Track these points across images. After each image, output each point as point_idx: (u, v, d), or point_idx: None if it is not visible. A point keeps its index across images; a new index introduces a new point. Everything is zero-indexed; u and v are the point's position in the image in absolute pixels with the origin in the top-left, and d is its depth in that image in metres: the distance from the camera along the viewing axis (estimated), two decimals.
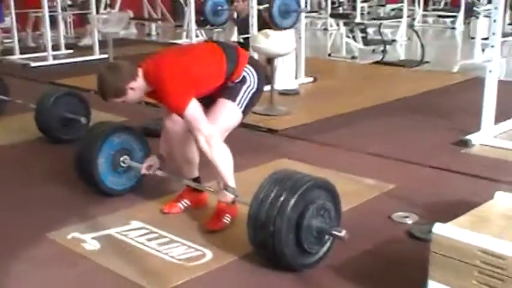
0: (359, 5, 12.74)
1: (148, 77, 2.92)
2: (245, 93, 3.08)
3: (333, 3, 13.04)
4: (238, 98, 3.06)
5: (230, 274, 2.68)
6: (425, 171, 3.94)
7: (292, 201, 2.52)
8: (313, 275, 2.63)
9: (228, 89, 3.07)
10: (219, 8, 7.50)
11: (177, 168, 3.34)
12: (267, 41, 5.26)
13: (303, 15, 6.87)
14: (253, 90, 3.10)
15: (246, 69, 3.08)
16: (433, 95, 6.25)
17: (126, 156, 3.48)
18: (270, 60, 5.54)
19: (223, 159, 2.92)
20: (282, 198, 2.53)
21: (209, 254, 2.82)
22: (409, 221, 3.14)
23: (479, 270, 2.07)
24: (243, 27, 6.90)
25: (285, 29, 6.05)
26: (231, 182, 2.95)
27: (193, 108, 2.87)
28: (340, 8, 13.59)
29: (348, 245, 2.75)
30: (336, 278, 2.60)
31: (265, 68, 4.72)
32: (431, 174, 3.89)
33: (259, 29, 6.03)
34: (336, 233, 2.61)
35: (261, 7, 6.47)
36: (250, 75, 3.09)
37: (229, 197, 2.95)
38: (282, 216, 2.51)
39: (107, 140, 3.44)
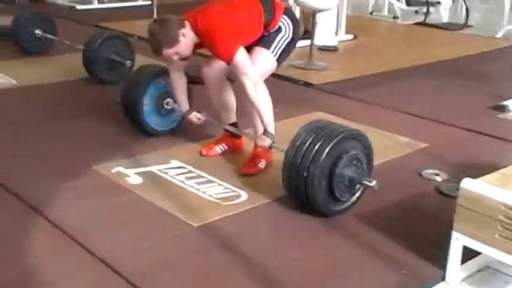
0: None
1: (196, 28, 3.03)
2: (280, 41, 3.19)
3: None
4: (272, 46, 3.18)
5: (262, 214, 2.84)
6: (460, 133, 4.00)
7: (327, 149, 2.64)
8: (341, 220, 2.76)
9: (263, 38, 3.19)
10: None
11: (216, 114, 3.47)
12: None
13: None
14: (288, 39, 3.21)
15: (281, 19, 3.20)
16: (474, 60, 6.22)
17: (169, 99, 3.62)
18: (312, 14, 5.58)
19: (266, 104, 3.04)
20: (317, 147, 2.65)
21: (244, 195, 2.97)
22: (439, 179, 3.23)
23: (502, 224, 2.16)
24: None
25: None
26: (271, 128, 3.08)
27: (242, 54, 2.98)
28: None
29: (376, 196, 2.89)
30: (363, 225, 2.73)
31: (299, 21, 4.69)
32: (465, 136, 3.95)
33: None
34: (367, 182, 2.73)
35: None
36: (285, 25, 3.20)
37: (267, 141, 3.08)
38: (315, 163, 2.63)
39: (153, 82, 3.57)
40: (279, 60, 3.24)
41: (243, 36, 3.09)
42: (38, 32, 5.55)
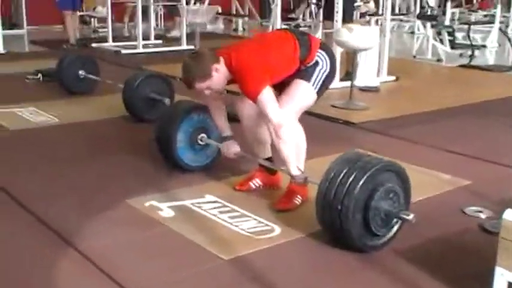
0: (449, 10, 12.44)
1: (230, 64, 3.04)
2: (319, 74, 3.17)
3: (422, 7, 12.79)
4: (312, 79, 3.16)
5: (296, 248, 2.75)
6: (505, 170, 3.85)
7: (361, 182, 2.55)
8: (378, 256, 2.65)
9: (301, 72, 3.17)
10: None
11: (250, 149, 3.43)
12: (350, 35, 5.27)
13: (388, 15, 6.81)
14: (327, 72, 3.19)
15: (318, 53, 3.18)
16: None
17: (203, 135, 3.60)
18: (352, 54, 5.56)
19: (290, 150, 3.00)
20: (351, 179, 2.57)
21: (277, 230, 2.89)
22: (482, 216, 3.09)
23: None
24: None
25: None
26: (302, 166, 3.02)
27: (266, 94, 2.97)
28: (429, 12, 13.31)
29: (416, 232, 2.78)
30: (401, 260, 2.61)
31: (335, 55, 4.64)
32: (509, 173, 3.79)
33: None
34: (404, 216, 2.62)
35: None
36: (322, 59, 3.19)
37: (300, 177, 3.01)
38: (350, 196, 2.55)
39: (187, 117, 3.57)
40: (319, 93, 3.21)
41: (275, 74, 3.09)
42: (81, 72, 5.67)
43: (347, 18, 6.27)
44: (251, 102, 3.18)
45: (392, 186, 2.64)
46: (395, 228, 2.70)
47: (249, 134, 3.37)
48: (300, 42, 3.15)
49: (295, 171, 3.02)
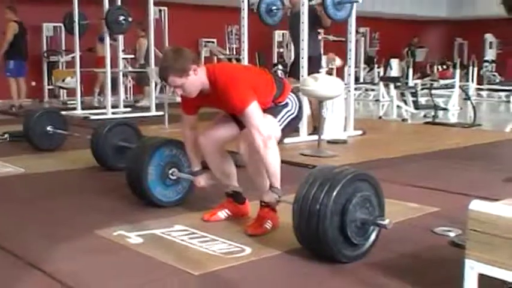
0: (411, 78, 12.87)
1: (211, 75, 3.05)
2: (286, 114, 3.24)
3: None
4: (279, 116, 3.21)
5: (268, 264, 2.72)
6: (470, 199, 3.83)
7: (339, 186, 2.58)
8: (351, 268, 2.63)
9: (271, 108, 3.21)
10: (273, 7, 7.37)
11: (218, 182, 3.43)
12: (316, 84, 5.40)
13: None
14: (294, 114, 3.27)
15: (289, 96, 3.28)
16: (484, 147, 6.22)
17: (175, 169, 3.60)
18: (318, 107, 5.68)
19: (275, 159, 3.00)
20: (328, 184, 2.59)
21: (248, 250, 2.86)
22: (452, 234, 3.10)
23: None
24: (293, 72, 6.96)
25: (339, 21, 6.37)
26: (278, 184, 3.03)
27: (255, 106, 2.99)
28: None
29: (389, 249, 2.81)
30: (372, 271, 2.60)
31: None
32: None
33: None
34: (380, 221, 2.63)
35: (313, 2, 6.62)
36: (292, 102, 3.27)
37: (274, 196, 3.01)
38: (328, 197, 2.55)
39: (157, 151, 3.57)
40: (283, 132, 3.24)
41: (258, 96, 3.08)
42: (49, 128, 5.66)
43: None
44: (214, 138, 3.23)
45: (365, 194, 2.67)
46: (372, 236, 2.71)
47: (215, 169, 3.39)
48: (276, 83, 3.24)
49: (278, 184, 3.02)
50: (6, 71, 9.74)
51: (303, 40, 6.33)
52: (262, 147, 2.96)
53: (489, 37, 16.73)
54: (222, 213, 3.40)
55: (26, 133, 5.72)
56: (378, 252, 2.75)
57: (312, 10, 6.51)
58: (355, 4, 6.52)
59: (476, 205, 2.16)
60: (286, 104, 3.24)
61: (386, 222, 2.61)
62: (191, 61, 3.00)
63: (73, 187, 4.36)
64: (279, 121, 3.20)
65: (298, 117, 3.31)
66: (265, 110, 3.17)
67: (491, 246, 2.10)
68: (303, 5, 6.36)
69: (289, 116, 3.24)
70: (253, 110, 2.97)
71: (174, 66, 2.97)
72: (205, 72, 3.06)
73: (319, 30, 6.81)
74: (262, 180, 3.13)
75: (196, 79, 3.01)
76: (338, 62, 7.35)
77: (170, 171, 3.60)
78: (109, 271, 2.63)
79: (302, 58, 6.37)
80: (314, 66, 6.47)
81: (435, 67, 15.95)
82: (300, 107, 3.32)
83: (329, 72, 7.63)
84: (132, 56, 11.61)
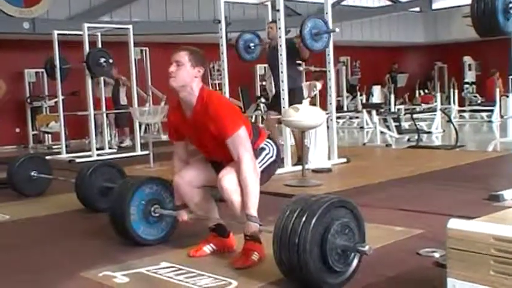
0: (393, 103, 13.04)
1: (205, 95, 3.16)
2: (264, 157, 3.30)
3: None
4: (259, 158, 3.26)
5: None
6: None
7: (317, 215, 2.59)
8: None
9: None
10: (251, 44, 7.49)
11: (199, 216, 3.43)
12: (297, 114, 5.46)
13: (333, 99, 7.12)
14: (272, 158, 3.33)
15: (266, 141, 3.36)
16: (467, 168, 6.29)
17: (157, 206, 3.61)
18: (301, 133, 5.73)
19: (256, 187, 3.05)
20: (306, 214, 2.61)
21: (234, 283, 2.86)
22: (436, 255, 3.12)
23: (495, 259, 2.06)
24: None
25: (316, 51, 6.47)
26: (254, 212, 3.04)
27: (244, 131, 3.10)
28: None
29: (375, 273, 2.82)
30: None
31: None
32: None
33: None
34: (360, 248, 2.64)
35: (289, 35, 6.73)
36: (269, 146, 3.35)
37: (254, 226, 3.03)
38: (306, 229, 2.56)
39: (138, 191, 3.58)
40: (262, 175, 3.24)
41: None
42: (33, 173, 5.65)
43: None
44: (189, 178, 3.29)
45: (345, 221, 2.68)
46: (354, 263, 2.71)
47: (195, 208, 3.40)
48: (253, 129, 3.30)
49: (254, 212, 3.04)
50: None
51: (282, 72, 6.41)
52: (251, 168, 3.03)
53: (468, 59, 17.01)
54: (207, 248, 3.40)
55: (9, 179, 5.70)
56: (364, 276, 2.76)
57: (290, 43, 6.61)
58: (331, 34, 6.63)
59: (454, 223, 2.19)
60: (263, 149, 3.32)
61: (366, 248, 2.62)
62: (202, 65, 3.18)
63: (58, 231, 4.34)
64: (259, 163, 3.25)
65: (276, 161, 3.37)
66: None
67: (470, 264, 2.12)
68: (280, 37, 6.45)
69: (268, 159, 3.31)
70: (244, 134, 3.08)
71: (193, 50, 3.20)
72: (200, 88, 3.17)
73: (298, 62, 6.88)
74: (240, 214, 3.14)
75: (192, 78, 3.15)
76: (319, 86, 7.45)
77: (152, 209, 3.61)
78: None
79: (283, 90, 6.44)
80: (296, 98, 6.54)
81: (417, 91, 16.18)
82: (278, 151, 3.38)
83: (313, 103, 7.74)
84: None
